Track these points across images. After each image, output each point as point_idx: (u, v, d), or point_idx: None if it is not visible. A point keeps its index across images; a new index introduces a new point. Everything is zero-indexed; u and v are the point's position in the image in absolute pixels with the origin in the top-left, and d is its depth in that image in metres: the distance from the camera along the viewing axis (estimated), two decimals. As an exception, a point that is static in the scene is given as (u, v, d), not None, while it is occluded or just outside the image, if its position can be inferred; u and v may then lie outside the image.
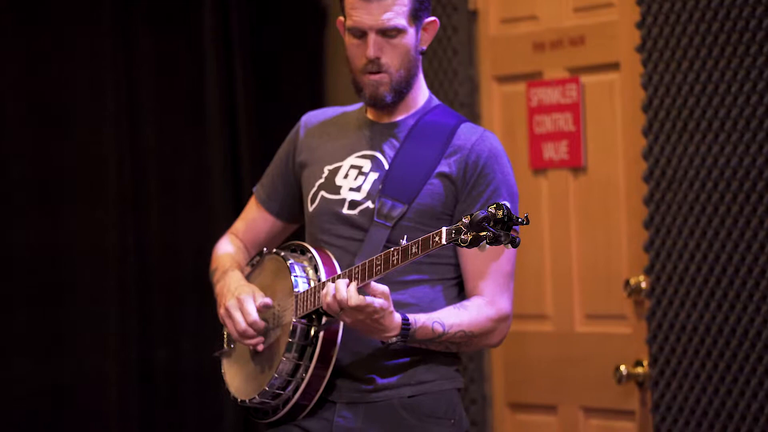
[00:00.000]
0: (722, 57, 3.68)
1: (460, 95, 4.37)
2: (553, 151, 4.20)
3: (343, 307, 2.62)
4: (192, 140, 4.74)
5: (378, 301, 2.61)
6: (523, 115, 4.28)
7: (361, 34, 2.81)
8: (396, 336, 2.68)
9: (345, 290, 2.61)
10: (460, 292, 2.85)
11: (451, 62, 4.39)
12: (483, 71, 4.38)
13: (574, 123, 4.15)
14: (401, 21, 2.80)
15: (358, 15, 2.80)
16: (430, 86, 4.41)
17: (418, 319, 2.71)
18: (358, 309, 2.61)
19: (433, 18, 2.87)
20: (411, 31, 2.82)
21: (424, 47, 2.87)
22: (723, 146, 3.69)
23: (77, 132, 4.60)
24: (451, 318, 2.74)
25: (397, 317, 2.67)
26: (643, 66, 3.86)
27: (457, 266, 2.84)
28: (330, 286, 2.64)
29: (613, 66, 4.07)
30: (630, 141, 4.00)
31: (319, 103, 4.75)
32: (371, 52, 2.80)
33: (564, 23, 4.18)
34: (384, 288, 2.62)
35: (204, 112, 4.72)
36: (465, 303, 2.80)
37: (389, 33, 2.80)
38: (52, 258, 4.52)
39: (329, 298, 2.63)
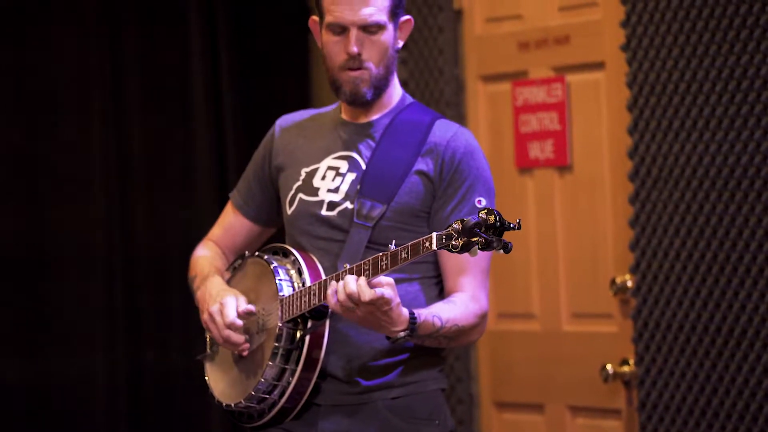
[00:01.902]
0: (707, 55, 3.68)
1: (445, 95, 4.36)
2: (538, 151, 4.20)
3: (355, 302, 2.58)
4: (178, 139, 4.74)
5: (388, 293, 2.59)
6: (508, 115, 4.28)
7: (341, 30, 2.80)
8: (404, 330, 2.65)
9: (355, 285, 2.57)
10: (440, 291, 2.85)
11: (437, 62, 4.39)
12: (468, 71, 4.38)
13: (559, 122, 4.15)
14: (382, 17, 2.79)
15: (339, 10, 2.78)
16: (416, 86, 4.43)
17: (420, 313, 2.69)
18: (371, 302, 2.57)
19: (408, 17, 2.87)
20: (390, 27, 2.82)
21: (400, 45, 2.86)
22: (708, 145, 3.69)
23: (63, 131, 4.60)
24: (446, 312, 2.73)
25: (405, 311, 2.64)
26: (628, 65, 3.86)
27: (436, 264, 2.84)
28: (338, 283, 2.60)
29: (598, 65, 4.07)
30: (615, 140, 4.00)
31: (306, 104, 4.75)
32: (353, 47, 2.78)
33: (549, 22, 4.18)
34: (390, 280, 2.59)
35: (191, 111, 4.71)
36: (452, 299, 2.78)
37: (370, 29, 2.79)
38: (38, 257, 4.52)
39: (342, 295, 2.59)
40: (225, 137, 4.72)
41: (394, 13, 2.82)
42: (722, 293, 3.67)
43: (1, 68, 4.52)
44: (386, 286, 2.59)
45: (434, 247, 2.48)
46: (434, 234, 2.49)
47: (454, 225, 2.45)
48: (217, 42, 4.71)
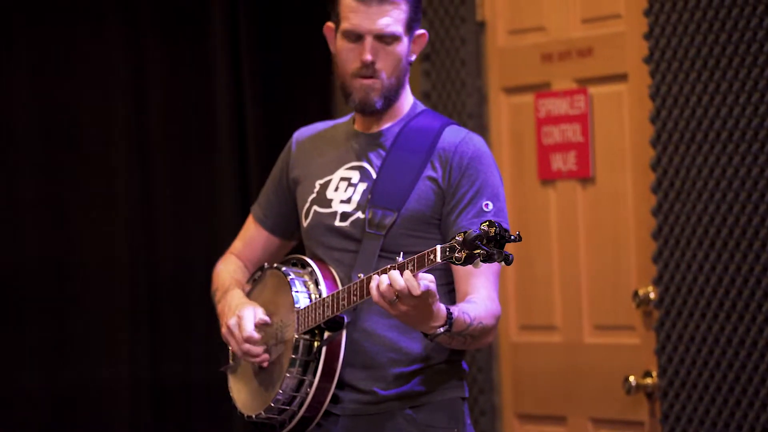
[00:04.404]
0: (730, 67, 3.68)
1: (468, 106, 4.38)
2: (561, 162, 4.20)
3: (402, 296, 2.54)
4: (202, 153, 4.76)
5: (433, 287, 2.55)
6: (531, 126, 4.28)
7: (356, 37, 2.81)
8: (442, 326, 2.61)
9: (401, 279, 2.53)
10: (452, 301, 2.83)
11: (459, 73, 4.40)
12: (491, 82, 4.38)
13: (582, 134, 4.15)
14: (398, 28, 2.81)
15: (356, 18, 2.80)
16: (438, 97, 4.44)
17: (453, 309, 2.65)
18: (420, 296, 2.53)
19: (423, 31, 2.88)
20: (405, 39, 2.83)
21: (413, 59, 2.88)
22: (731, 157, 3.69)
23: (87, 144, 4.63)
24: (472, 310, 2.70)
25: (443, 306, 2.61)
26: (651, 77, 3.86)
27: (448, 271, 2.83)
28: (381, 277, 2.56)
29: (621, 77, 4.07)
30: (638, 152, 4.00)
31: (328, 115, 4.77)
32: (368, 55, 2.80)
33: (572, 34, 4.18)
34: (431, 276, 2.56)
35: (214, 126, 4.74)
36: (472, 299, 2.76)
37: (386, 39, 2.81)
38: (62, 271, 4.55)
39: (384, 287, 2.54)
40: (248, 151, 4.74)
41: (410, 27, 2.83)
42: (745, 305, 3.66)
43: (24, 85, 4.56)
44: (428, 281, 2.55)
45: (438, 259, 2.48)
46: (438, 246, 2.49)
47: (456, 237, 2.45)
48: (240, 55, 4.74)
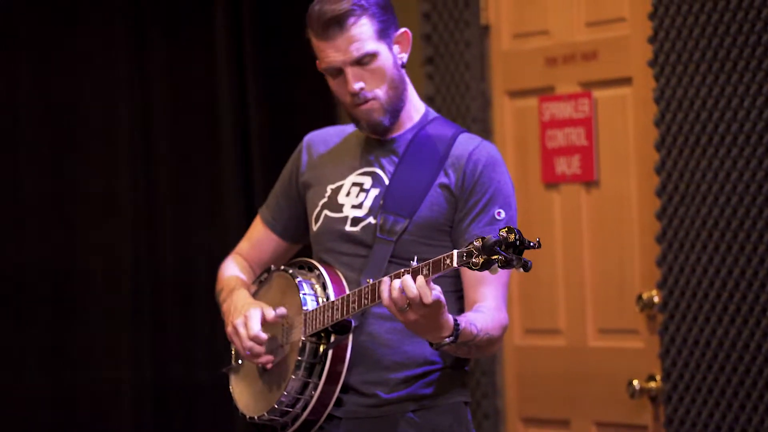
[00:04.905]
0: (735, 71, 3.68)
1: (472, 110, 4.37)
2: (565, 166, 4.20)
3: (414, 304, 2.52)
4: (205, 155, 4.76)
5: (442, 297, 2.54)
6: (535, 130, 4.28)
7: (337, 72, 2.82)
8: (449, 336, 2.60)
9: (414, 286, 2.51)
10: (461, 308, 2.83)
11: (464, 77, 4.40)
12: (495, 86, 4.38)
13: (586, 137, 4.15)
14: (371, 45, 2.79)
15: (327, 55, 2.80)
16: (443, 101, 4.44)
17: (460, 319, 2.64)
18: (430, 305, 2.51)
19: (403, 29, 2.86)
20: (384, 49, 2.81)
21: (404, 60, 2.86)
22: (735, 160, 3.68)
23: (91, 148, 4.63)
24: (479, 321, 2.70)
25: (450, 317, 2.60)
26: (655, 80, 3.86)
27: (457, 278, 2.83)
28: (393, 282, 2.54)
29: (626, 80, 4.06)
30: (642, 155, 3.99)
31: (332, 118, 4.76)
32: (353, 86, 2.80)
33: (576, 38, 4.18)
34: (438, 287, 2.55)
35: (217, 127, 4.74)
36: (480, 308, 2.76)
37: (363, 60, 2.80)
38: (65, 273, 4.55)
39: (396, 293, 2.53)
40: (251, 153, 4.74)
41: (385, 34, 2.82)
42: (749, 309, 3.66)
43: (28, 89, 4.55)
44: (438, 291, 2.54)
45: (455, 264, 2.47)
46: (455, 251, 2.48)
47: (474, 243, 2.44)
48: (244, 58, 4.74)
